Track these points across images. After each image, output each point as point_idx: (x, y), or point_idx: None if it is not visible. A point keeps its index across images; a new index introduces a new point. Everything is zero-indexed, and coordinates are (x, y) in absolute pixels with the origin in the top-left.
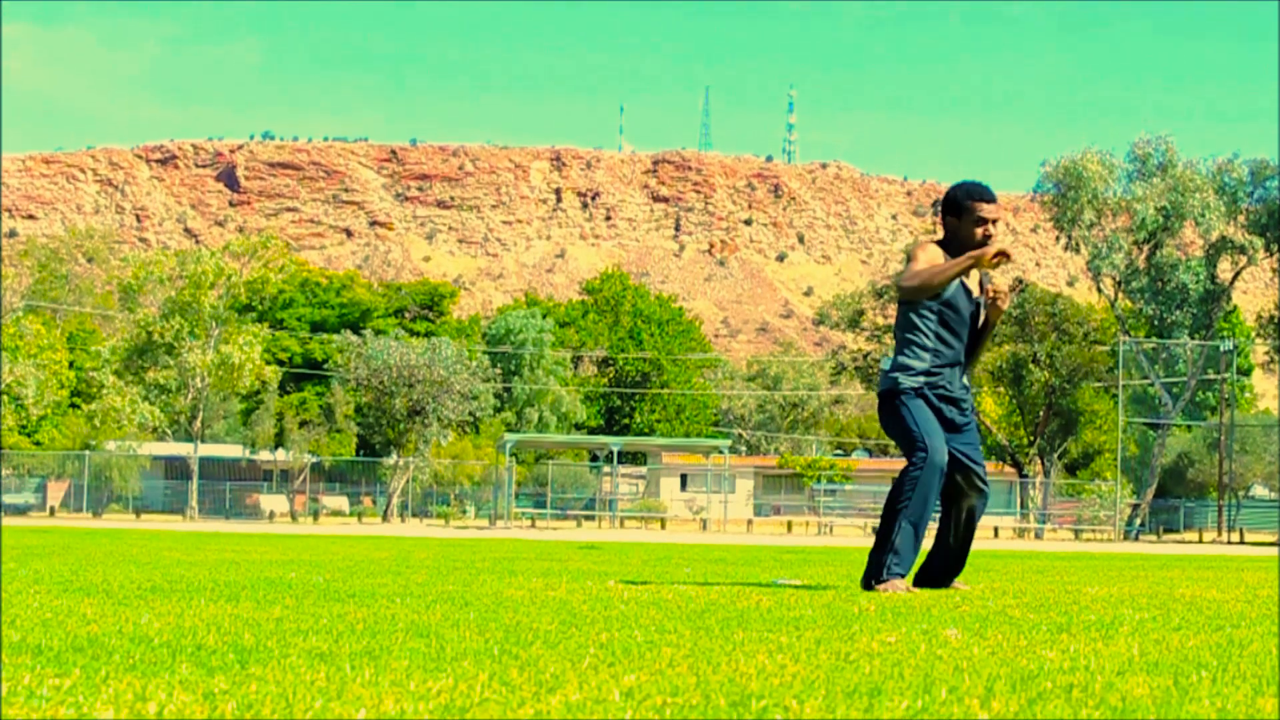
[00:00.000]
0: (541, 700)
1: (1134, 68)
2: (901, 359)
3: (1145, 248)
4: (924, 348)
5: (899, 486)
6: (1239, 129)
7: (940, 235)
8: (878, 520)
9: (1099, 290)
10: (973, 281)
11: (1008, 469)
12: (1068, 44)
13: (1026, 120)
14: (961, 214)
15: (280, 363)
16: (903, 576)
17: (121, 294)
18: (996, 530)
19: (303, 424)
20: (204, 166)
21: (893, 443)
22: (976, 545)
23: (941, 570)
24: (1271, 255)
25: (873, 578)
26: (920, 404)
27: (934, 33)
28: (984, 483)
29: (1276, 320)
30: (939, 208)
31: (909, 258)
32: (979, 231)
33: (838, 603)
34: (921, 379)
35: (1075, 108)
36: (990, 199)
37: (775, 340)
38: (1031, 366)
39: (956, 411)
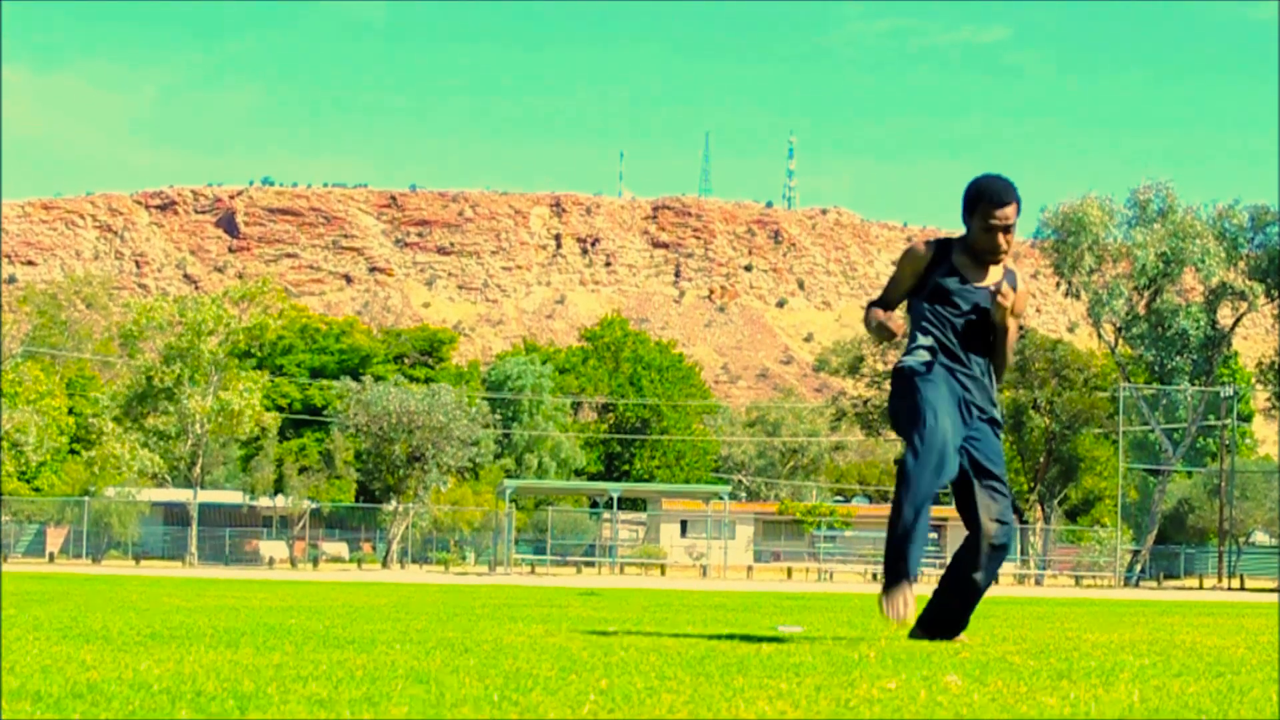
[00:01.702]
0: None
1: (1135, 113)
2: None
3: (1145, 294)
4: (926, 333)
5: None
6: (1240, 174)
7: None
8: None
9: (1099, 336)
10: (991, 276)
11: None
12: (1068, 89)
13: (1026, 165)
14: (973, 214)
15: (280, 409)
16: (898, 582)
17: (121, 340)
18: (997, 576)
19: (302, 470)
20: (203, 212)
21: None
22: None
23: (940, 618)
24: (1272, 301)
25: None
26: (931, 380)
27: (935, 78)
28: (1006, 499)
29: (1277, 366)
30: (1016, 192)
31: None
32: (986, 239)
33: (838, 649)
34: (926, 354)
35: (1076, 153)
36: (1003, 200)
37: (775, 386)
38: (1032, 412)
39: (980, 395)
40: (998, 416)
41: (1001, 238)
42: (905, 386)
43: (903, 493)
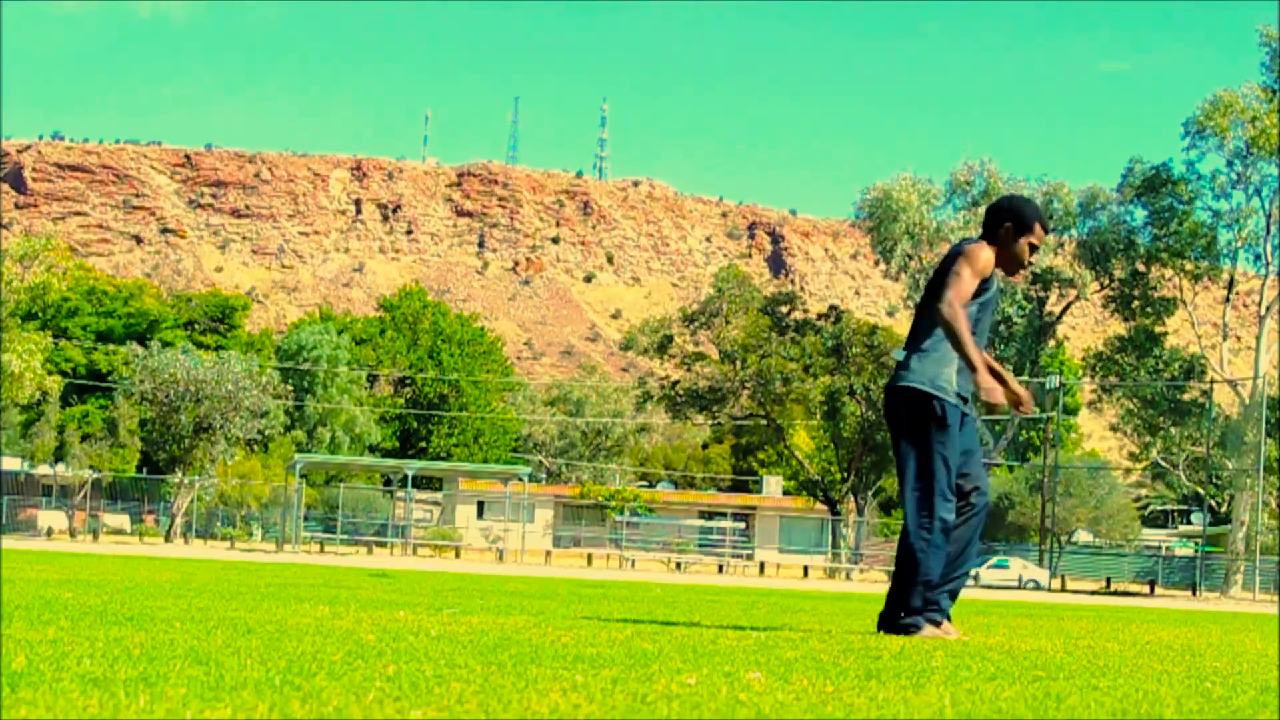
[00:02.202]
0: None
1: (959, 91)
2: (929, 362)
3: None
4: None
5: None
6: (1065, 159)
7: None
8: (681, 555)
9: None
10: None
11: (819, 506)
12: (891, 67)
13: (847, 143)
14: (1023, 231)
15: (63, 373)
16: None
17: None
18: (806, 569)
19: (85, 438)
20: None
21: (699, 475)
22: (786, 584)
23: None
24: (1102, 289)
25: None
26: (953, 430)
27: (755, 51)
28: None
29: (1104, 357)
30: (996, 211)
31: (955, 263)
32: (1029, 256)
33: (636, 640)
34: (954, 396)
35: (898, 133)
36: (1049, 228)
37: (580, 364)
38: (847, 399)
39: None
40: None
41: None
42: (936, 430)
43: (915, 569)
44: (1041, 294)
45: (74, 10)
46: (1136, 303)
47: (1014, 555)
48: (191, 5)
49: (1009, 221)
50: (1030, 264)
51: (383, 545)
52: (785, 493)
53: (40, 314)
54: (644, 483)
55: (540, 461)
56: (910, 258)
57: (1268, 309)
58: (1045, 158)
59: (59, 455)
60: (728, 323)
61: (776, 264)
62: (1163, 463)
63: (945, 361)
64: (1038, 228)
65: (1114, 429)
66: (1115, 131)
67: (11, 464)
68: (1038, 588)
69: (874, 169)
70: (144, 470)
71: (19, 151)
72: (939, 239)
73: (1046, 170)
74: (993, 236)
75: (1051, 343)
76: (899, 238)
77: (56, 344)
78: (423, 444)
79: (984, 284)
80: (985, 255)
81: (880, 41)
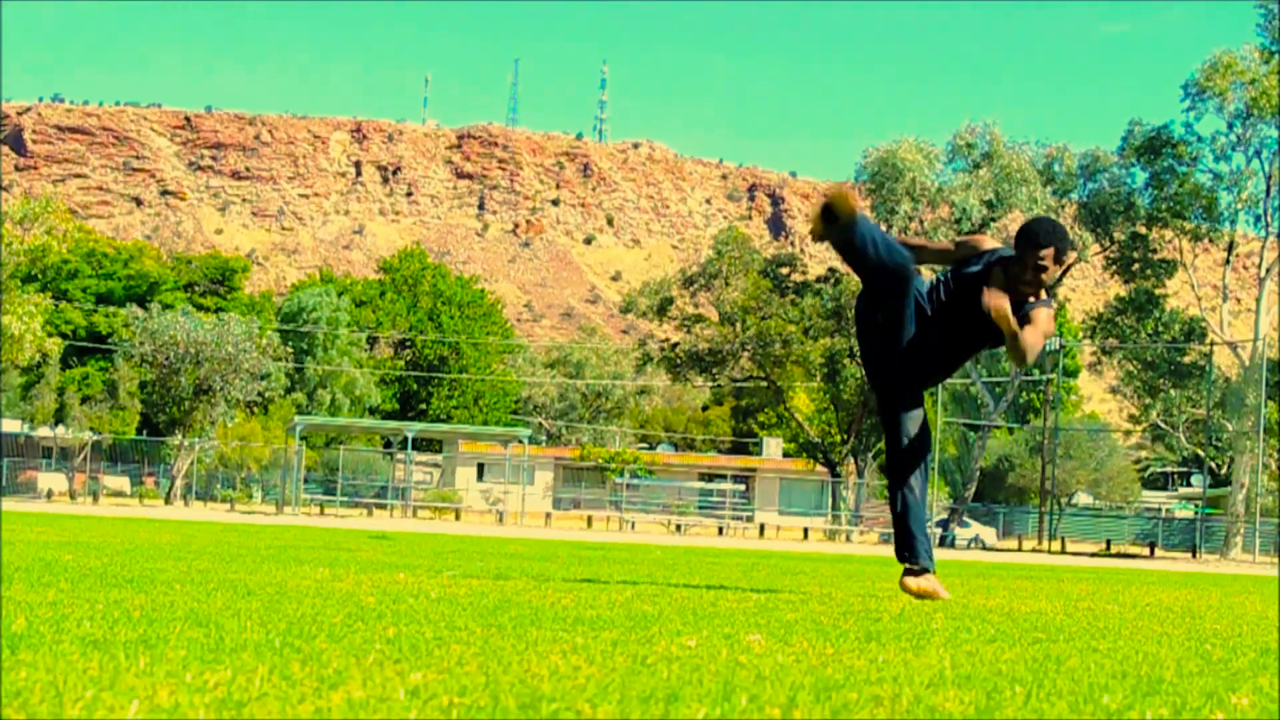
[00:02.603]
0: (323, 696)
1: (960, 54)
2: None
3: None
4: None
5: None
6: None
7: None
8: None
9: None
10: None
11: (819, 468)
12: (892, 29)
13: (848, 106)
14: (1063, 258)
15: (63, 335)
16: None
17: None
18: (806, 531)
19: (85, 400)
20: None
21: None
22: (786, 546)
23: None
24: (1102, 251)
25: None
26: None
27: (756, 13)
28: None
29: (1105, 319)
30: (1061, 239)
31: (1032, 320)
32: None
33: (636, 603)
34: None
35: (898, 96)
36: (1059, 247)
37: (580, 326)
38: (847, 361)
39: None
40: None
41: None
42: None
43: None
44: None
45: None
46: (1137, 265)
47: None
48: None
49: (1057, 249)
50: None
51: (382, 507)
52: (785, 455)
53: (40, 276)
54: (644, 445)
55: (540, 424)
56: (911, 219)
57: (1268, 271)
58: (1047, 120)
59: (59, 417)
60: (728, 285)
61: (777, 226)
62: (1162, 425)
63: None
64: (1071, 254)
65: (1114, 391)
66: (1117, 94)
67: (11, 426)
68: (984, 547)
69: (874, 132)
70: (144, 432)
71: (19, 113)
72: (940, 199)
73: (1048, 133)
74: (1028, 266)
75: (1052, 305)
76: (900, 198)
77: (56, 306)
78: (423, 406)
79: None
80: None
81: (882, 2)
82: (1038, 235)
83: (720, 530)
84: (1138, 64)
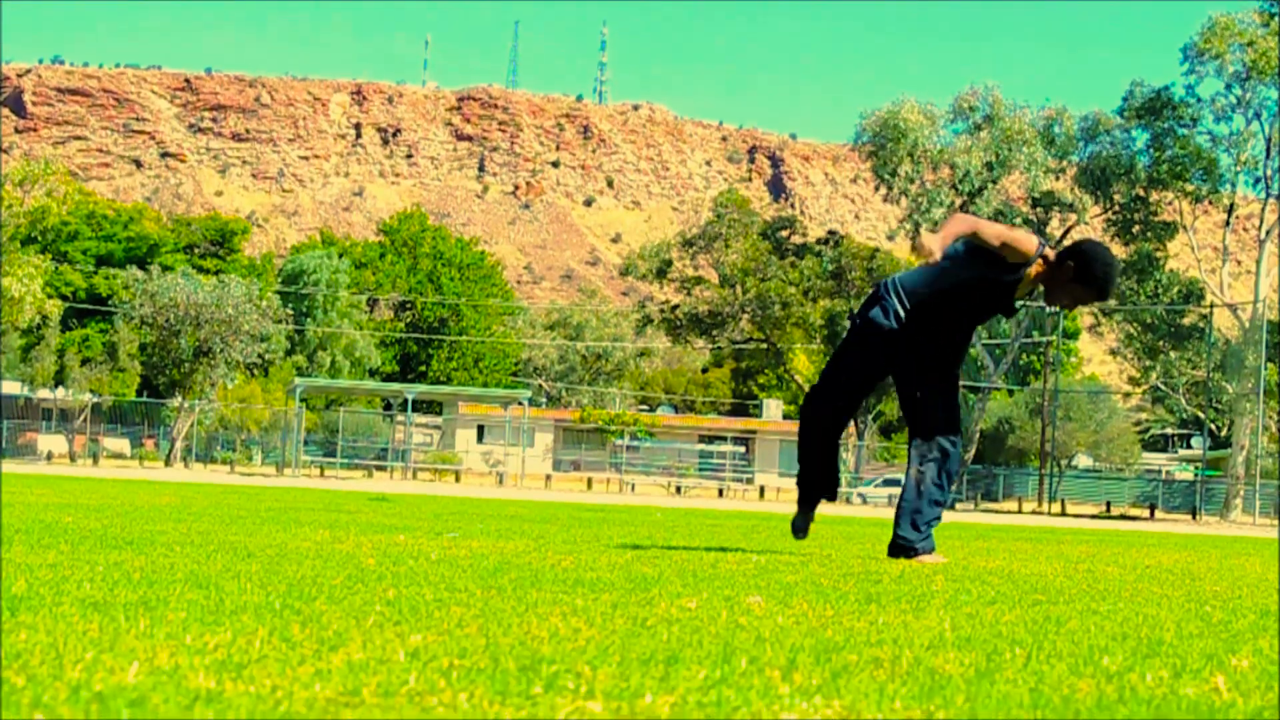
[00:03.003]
0: (323, 658)
1: (960, 14)
2: None
3: (968, 201)
4: None
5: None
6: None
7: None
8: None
9: None
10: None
11: None
12: None
13: (847, 68)
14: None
15: (63, 297)
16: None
17: None
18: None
19: (84, 362)
20: None
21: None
22: (786, 508)
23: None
24: (1103, 213)
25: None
26: None
27: None
28: None
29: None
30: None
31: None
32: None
33: (636, 565)
34: None
35: (897, 58)
36: (1104, 295)
37: (580, 289)
38: (847, 323)
39: None
40: None
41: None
42: None
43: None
44: (1043, 217)
45: None
46: (1137, 227)
47: (1014, 480)
48: None
49: (1072, 261)
50: (1063, 306)
51: (383, 469)
52: (785, 417)
53: (40, 238)
54: (644, 407)
55: (540, 386)
56: (912, 181)
57: (1268, 233)
58: (1048, 83)
59: (59, 379)
60: (727, 247)
61: (776, 188)
62: (1162, 387)
63: None
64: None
65: (1114, 353)
66: (1118, 56)
67: (11, 388)
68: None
69: (873, 94)
70: (144, 394)
71: (19, 75)
72: (942, 161)
73: (1049, 94)
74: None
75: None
76: (901, 160)
77: (56, 268)
78: (423, 368)
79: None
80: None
81: None
82: (1107, 287)
83: (720, 492)
84: (1139, 26)
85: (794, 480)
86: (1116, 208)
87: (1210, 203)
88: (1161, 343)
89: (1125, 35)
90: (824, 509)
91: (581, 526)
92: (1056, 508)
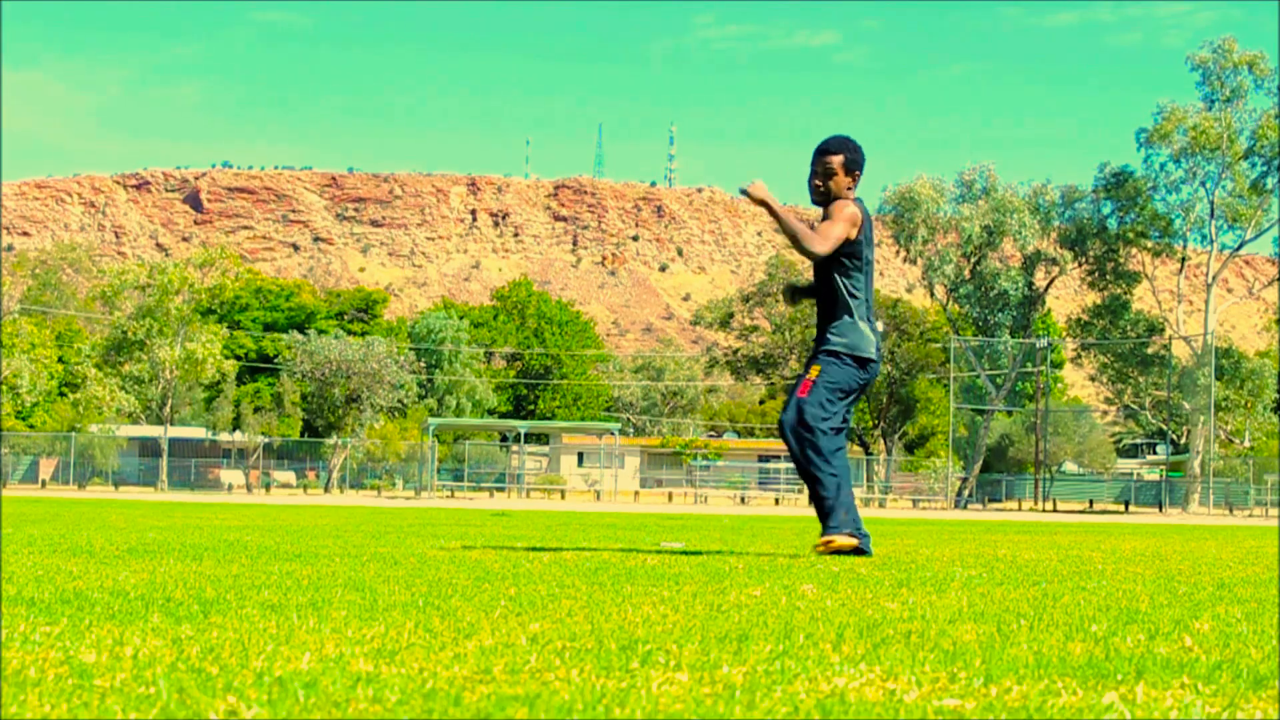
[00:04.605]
0: (459, 644)
1: (966, 103)
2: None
3: (971, 260)
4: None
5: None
6: (1054, 156)
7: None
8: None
9: (932, 296)
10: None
11: (855, 448)
12: (903, 82)
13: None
14: (854, 170)
15: (237, 357)
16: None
17: (102, 299)
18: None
19: (256, 410)
20: (172, 191)
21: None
22: None
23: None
24: (1080, 266)
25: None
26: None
27: (796, 75)
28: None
29: (1083, 321)
30: (852, 156)
31: (830, 214)
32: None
33: (711, 562)
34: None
35: (912, 140)
36: (823, 150)
37: (658, 338)
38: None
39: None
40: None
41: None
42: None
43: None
44: (1035, 273)
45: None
46: (1108, 277)
47: (1014, 485)
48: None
49: (859, 169)
50: (815, 186)
51: (501, 490)
52: None
53: (218, 310)
54: (713, 433)
55: (628, 419)
56: (926, 242)
57: (1213, 278)
58: (1034, 154)
59: (236, 424)
60: (778, 301)
61: None
62: (1132, 405)
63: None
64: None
65: (1092, 379)
66: (1090, 131)
67: (198, 433)
68: None
69: (891, 171)
70: (305, 435)
71: (195, 178)
72: (949, 227)
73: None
74: (831, 185)
75: (1040, 310)
76: (917, 226)
77: (231, 334)
78: (531, 407)
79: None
80: (851, 211)
81: (903, 76)
82: (827, 144)
83: (776, 501)
84: (1103, 109)
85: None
86: (1092, 261)
87: (1167, 255)
88: (1130, 370)
89: (1094, 116)
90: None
91: (665, 532)
92: (1049, 506)
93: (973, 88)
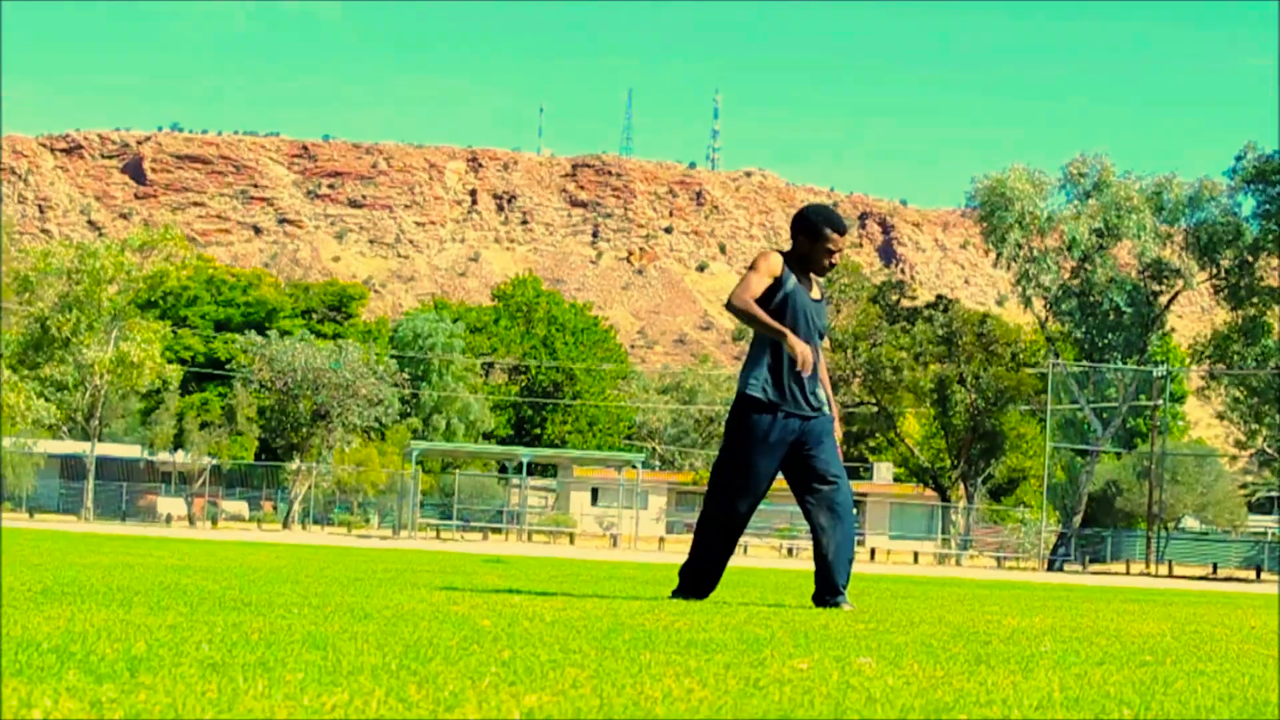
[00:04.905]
0: (439, 719)
1: (1074, 83)
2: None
3: (1077, 268)
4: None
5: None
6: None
7: (789, 248)
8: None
9: (1028, 309)
10: (815, 289)
11: (929, 492)
12: (1003, 59)
13: (957, 136)
14: (816, 239)
15: (181, 361)
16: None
17: (20, 286)
18: (916, 555)
19: (203, 425)
20: (110, 157)
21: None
22: (896, 569)
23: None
24: (1210, 279)
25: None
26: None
27: (865, 43)
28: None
29: (1211, 346)
30: (794, 224)
31: (751, 266)
32: (826, 261)
33: (749, 625)
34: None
35: (1008, 126)
36: (843, 230)
37: (693, 353)
38: (957, 387)
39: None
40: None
41: (837, 261)
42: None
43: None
44: (1154, 286)
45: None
46: (1243, 292)
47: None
48: (318, 5)
49: (803, 235)
50: (831, 264)
51: (498, 532)
52: (895, 479)
53: (159, 303)
54: None
55: (654, 449)
56: (1020, 246)
57: None
58: (1156, 150)
59: (178, 443)
60: (839, 311)
61: (887, 254)
62: (1268, 450)
63: (753, 363)
64: (828, 232)
65: (1221, 417)
66: (1234, 124)
67: (131, 451)
68: None
69: (983, 162)
70: (262, 457)
71: (138, 143)
72: (1050, 228)
73: (1160, 161)
74: (795, 250)
75: (1160, 331)
76: (1010, 226)
77: (175, 332)
78: (537, 431)
79: (787, 288)
80: (773, 261)
81: (993, 32)
82: (839, 224)
83: None
84: (1249, 91)
85: (897, 541)
86: (1223, 273)
87: None
88: (1267, 406)
89: (1235, 100)
90: (930, 568)
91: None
92: (1164, 569)
93: (1080, 57)
